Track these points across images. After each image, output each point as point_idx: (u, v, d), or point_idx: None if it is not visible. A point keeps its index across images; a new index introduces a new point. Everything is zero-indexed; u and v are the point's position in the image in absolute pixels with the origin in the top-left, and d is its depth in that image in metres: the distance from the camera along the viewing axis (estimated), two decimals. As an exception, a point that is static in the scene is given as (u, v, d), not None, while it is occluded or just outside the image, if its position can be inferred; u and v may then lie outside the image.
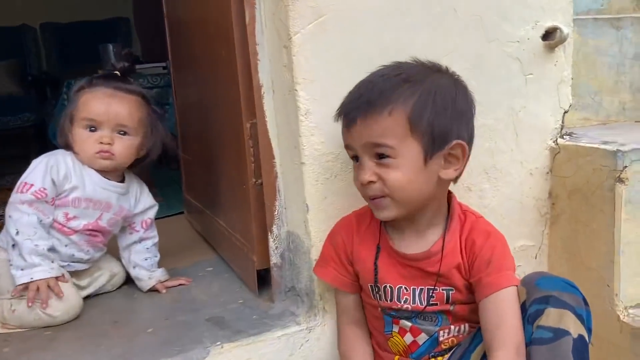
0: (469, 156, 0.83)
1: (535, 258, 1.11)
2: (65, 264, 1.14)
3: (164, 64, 3.34)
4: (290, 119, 0.98)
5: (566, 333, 0.73)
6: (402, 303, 0.87)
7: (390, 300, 0.87)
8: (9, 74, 4.40)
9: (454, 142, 0.80)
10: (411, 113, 0.78)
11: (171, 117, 2.09)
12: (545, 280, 0.79)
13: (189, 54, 1.60)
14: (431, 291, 0.85)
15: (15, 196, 1.08)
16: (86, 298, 1.17)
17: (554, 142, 1.08)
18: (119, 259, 1.28)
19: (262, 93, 1.04)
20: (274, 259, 1.09)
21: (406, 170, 0.79)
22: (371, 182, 0.81)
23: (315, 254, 0.98)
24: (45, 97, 4.46)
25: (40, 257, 1.06)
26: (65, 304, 1.07)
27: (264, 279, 1.16)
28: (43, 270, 1.05)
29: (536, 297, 0.77)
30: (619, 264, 0.96)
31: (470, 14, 1.01)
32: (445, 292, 0.85)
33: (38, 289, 1.05)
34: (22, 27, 4.57)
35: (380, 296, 0.89)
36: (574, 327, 0.73)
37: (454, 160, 0.82)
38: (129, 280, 1.28)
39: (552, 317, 0.74)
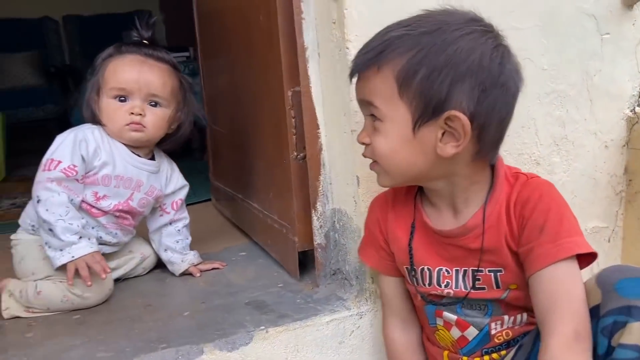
0: (482, 134, 0.66)
1: (609, 241, 1.00)
2: None
3: (187, 54, 3.30)
4: (340, 82, 0.88)
5: None
6: (443, 287, 0.75)
7: (429, 285, 0.76)
8: (31, 65, 4.40)
9: (448, 112, 0.64)
10: (401, 71, 0.65)
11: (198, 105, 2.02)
12: (628, 284, 0.63)
13: (221, 38, 1.51)
14: (476, 273, 0.72)
15: (42, 174, 0.99)
16: (116, 281, 1.09)
17: (631, 110, 0.97)
18: (149, 242, 1.20)
19: (307, 56, 0.95)
20: (318, 239, 1.00)
21: (391, 138, 0.68)
22: (365, 144, 0.72)
23: (366, 230, 0.89)
24: (68, 89, 4.45)
25: (77, 235, 0.98)
26: (98, 283, 1.00)
27: (303, 262, 1.07)
28: (83, 247, 0.97)
29: (615, 307, 0.62)
30: None
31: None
32: (492, 273, 0.72)
33: (77, 268, 0.97)
34: (43, 19, 4.57)
35: (417, 280, 0.77)
36: None
37: (454, 135, 0.65)
38: (160, 264, 1.20)
39: (636, 333, 0.60)
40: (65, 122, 4.18)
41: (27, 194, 2.53)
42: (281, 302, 0.96)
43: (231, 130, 1.49)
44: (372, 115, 0.70)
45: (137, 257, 1.17)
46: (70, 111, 3.91)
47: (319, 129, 0.98)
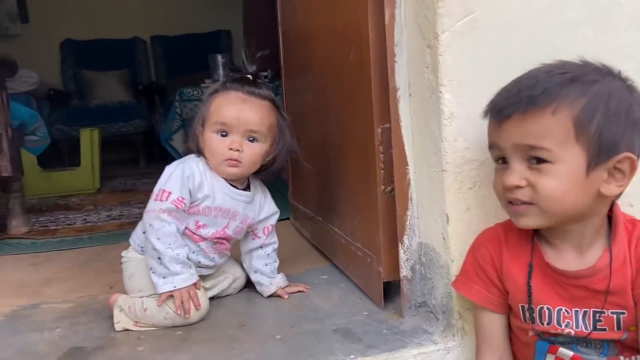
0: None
1: None
2: None
3: (265, 73, 3.44)
4: (431, 123, 0.92)
5: None
6: (564, 327, 0.77)
7: (548, 324, 0.78)
8: (122, 83, 4.74)
9: (623, 154, 0.70)
10: (579, 116, 0.70)
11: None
12: None
13: (306, 61, 1.59)
14: (598, 314, 0.75)
15: (155, 204, 1.08)
16: (210, 299, 1.18)
17: None
18: (240, 262, 1.28)
19: (398, 96, 1.00)
20: (404, 272, 1.03)
21: (564, 179, 0.71)
22: (518, 186, 0.73)
23: (455, 269, 0.91)
24: (154, 105, 4.74)
25: (181, 265, 1.07)
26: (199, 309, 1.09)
27: (385, 290, 1.11)
28: (184, 279, 1.07)
29: None
30: None
31: (638, 8, 0.90)
32: (615, 315, 0.75)
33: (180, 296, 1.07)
34: (134, 39, 4.91)
35: (534, 319, 0.80)
36: None
37: (619, 175, 0.72)
38: (248, 284, 1.28)
39: None
40: (150, 136, 4.47)
41: (119, 205, 2.73)
42: (368, 331, 1.00)
43: (313, 153, 1.56)
44: (533, 158, 0.72)
45: (230, 277, 1.25)
46: (156, 129, 4.18)
47: (407, 165, 1.01)
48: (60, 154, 4.16)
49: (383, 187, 1.06)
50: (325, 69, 1.40)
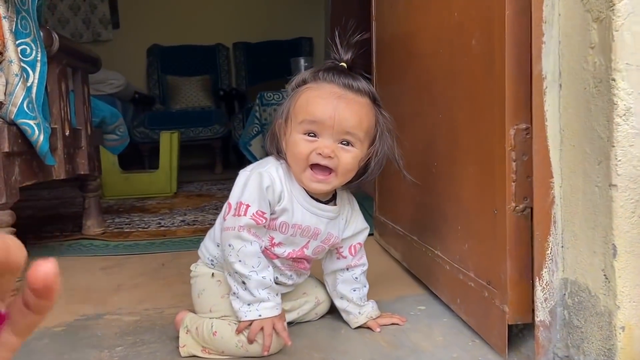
0: None
1: None
2: None
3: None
4: (596, 122, 0.69)
5: None
6: None
7: None
8: (203, 88, 4.77)
9: None
10: None
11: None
12: None
13: (405, 62, 1.40)
14: None
15: (233, 220, 0.91)
16: (288, 324, 0.99)
17: None
18: (324, 284, 1.10)
19: (544, 87, 0.77)
20: (541, 315, 0.80)
21: None
22: None
23: (623, 318, 0.67)
24: (233, 111, 4.73)
25: (268, 290, 0.90)
26: (277, 340, 0.91)
27: (508, 335, 0.87)
28: (271, 307, 0.90)
29: None
30: None
31: None
32: None
33: (262, 328, 0.90)
34: (216, 46, 4.94)
35: None
36: None
37: None
38: (332, 310, 1.09)
39: None
40: (228, 142, 4.44)
41: (194, 210, 2.64)
42: (489, 388, 0.78)
43: (410, 163, 1.35)
44: None
45: (312, 301, 1.07)
46: (233, 135, 4.14)
47: (552, 177, 0.78)
48: (141, 157, 4.22)
49: (514, 204, 0.84)
50: (430, 66, 1.20)
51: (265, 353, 0.89)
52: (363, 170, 0.97)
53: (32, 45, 1.35)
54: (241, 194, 0.91)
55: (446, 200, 1.13)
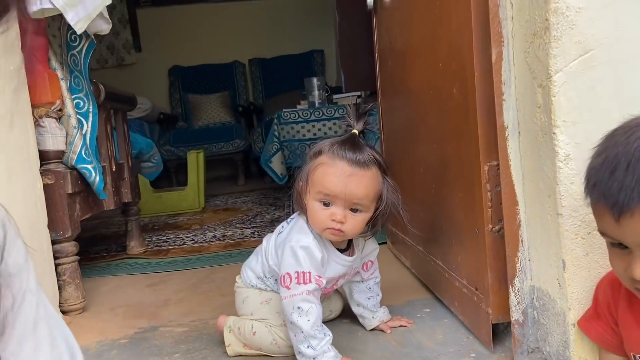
0: None
1: None
2: None
3: (359, 93, 3.47)
4: (545, 164, 0.88)
5: None
6: None
7: None
8: (223, 105, 5.01)
9: None
10: None
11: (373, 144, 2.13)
12: None
13: (404, 86, 1.59)
14: None
15: (299, 287, 1.05)
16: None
17: None
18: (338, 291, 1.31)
19: (507, 135, 0.97)
20: (515, 315, 0.99)
21: None
22: None
23: (573, 317, 0.87)
24: (252, 124, 4.96)
25: (329, 345, 1.05)
26: None
27: (494, 331, 1.07)
28: (333, 357, 1.04)
29: None
30: None
31: None
32: None
33: None
34: (233, 63, 5.18)
35: None
36: None
37: None
38: (349, 314, 1.29)
39: None
40: (248, 155, 4.67)
41: (222, 225, 2.87)
42: (477, 376, 0.97)
43: (413, 182, 1.55)
44: None
45: (325, 312, 1.26)
46: (253, 149, 4.37)
47: (517, 205, 0.98)
48: (168, 174, 4.47)
49: (491, 226, 1.03)
50: (424, 100, 1.39)
51: None
52: (374, 223, 1.14)
53: (85, 99, 1.58)
54: (297, 264, 1.07)
55: (444, 218, 1.32)
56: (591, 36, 0.82)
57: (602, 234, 0.71)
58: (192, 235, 2.59)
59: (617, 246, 0.69)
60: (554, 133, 0.85)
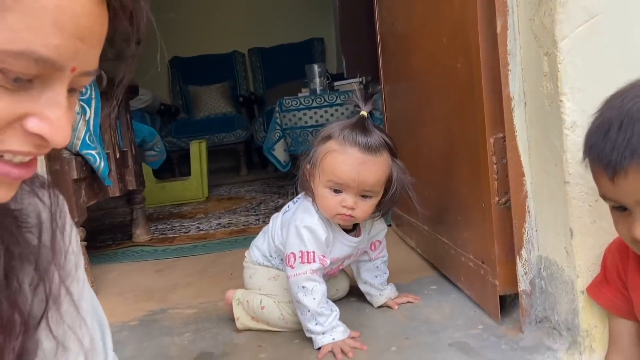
0: None
1: None
2: None
3: (360, 79, 3.45)
4: (551, 133, 0.88)
5: None
6: None
7: None
8: (223, 95, 5.00)
9: None
10: None
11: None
12: None
13: (407, 70, 1.59)
14: None
15: (303, 266, 1.07)
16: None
17: None
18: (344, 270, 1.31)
19: (512, 106, 0.97)
20: (523, 285, 1.00)
21: None
22: None
23: (581, 285, 0.87)
24: (253, 114, 4.96)
25: (337, 320, 1.07)
26: None
27: (501, 303, 1.07)
28: (342, 332, 1.06)
29: None
30: None
31: None
32: None
33: (332, 349, 1.04)
34: (233, 53, 5.16)
35: None
36: None
37: None
38: (357, 292, 1.30)
39: None
40: (250, 145, 4.67)
41: (227, 213, 2.87)
42: (486, 346, 0.98)
43: (417, 164, 1.55)
44: None
45: (331, 290, 1.27)
46: (255, 138, 4.37)
47: (524, 176, 0.98)
48: (171, 165, 4.48)
49: (497, 198, 1.04)
50: (428, 80, 1.39)
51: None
52: (384, 205, 1.14)
53: (87, 85, 1.58)
54: (301, 244, 1.08)
55: (449, 196, 1.33)
56: (596, 1, 0.81)
57: (604, 197, 0.71)
58: (197, 223, 2.60)
59: (619, 209, 0.70)
60: (561, 101, 0.84)
